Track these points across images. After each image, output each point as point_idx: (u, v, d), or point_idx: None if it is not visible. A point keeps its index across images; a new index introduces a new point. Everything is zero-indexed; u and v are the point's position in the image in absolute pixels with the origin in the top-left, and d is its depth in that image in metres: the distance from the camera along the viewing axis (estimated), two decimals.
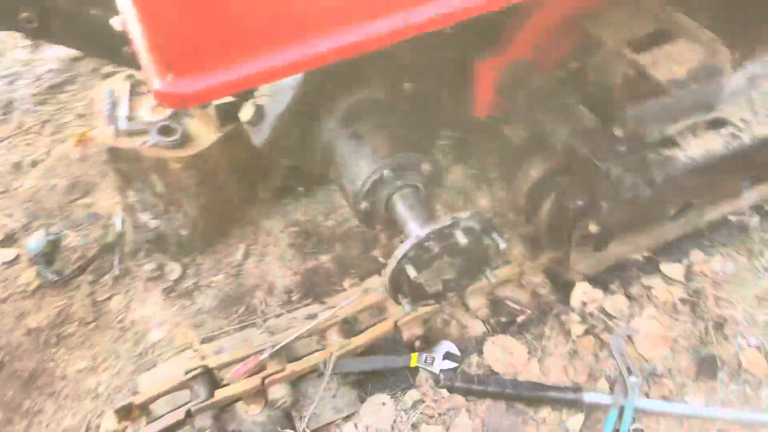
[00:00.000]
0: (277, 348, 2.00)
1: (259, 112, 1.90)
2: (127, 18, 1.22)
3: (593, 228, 1.99)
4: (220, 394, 1.94)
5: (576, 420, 1.97)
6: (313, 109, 1.90)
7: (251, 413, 2.01)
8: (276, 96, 1.90)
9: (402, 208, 1.79)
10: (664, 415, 1.98)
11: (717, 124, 2.00)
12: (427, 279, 1.75)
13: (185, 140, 2.27)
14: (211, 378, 2.00)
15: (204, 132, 2.32)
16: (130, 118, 2.34)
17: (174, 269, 2.51)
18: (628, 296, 2.25)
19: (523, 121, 2.12)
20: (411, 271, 1.69)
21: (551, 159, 2.13)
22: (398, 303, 1.83)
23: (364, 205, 1.82)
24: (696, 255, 2.35)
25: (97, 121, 2.35)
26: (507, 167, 2.32)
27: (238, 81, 1.20)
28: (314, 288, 2.41)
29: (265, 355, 2.00)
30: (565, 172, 2.08)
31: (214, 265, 2.51)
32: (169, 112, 2.35)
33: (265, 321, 2.31)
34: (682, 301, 2.22)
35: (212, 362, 2.02)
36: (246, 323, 2.31)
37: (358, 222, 2.13)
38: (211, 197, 2.44)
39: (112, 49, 2.11)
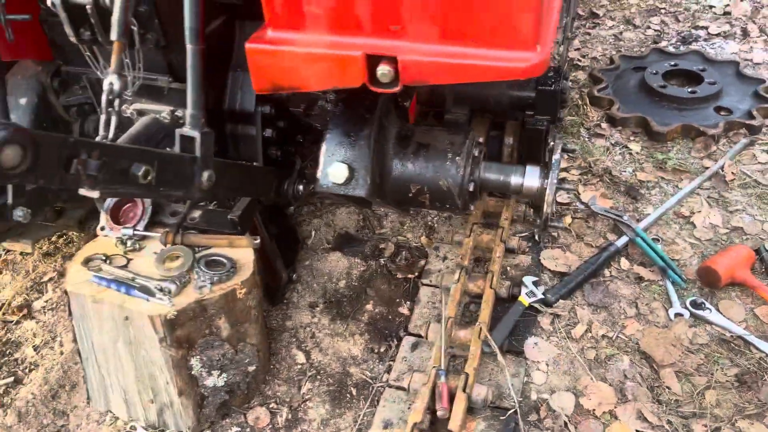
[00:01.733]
0: None
1: (351, 168, 1.99)
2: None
3: None
4: None
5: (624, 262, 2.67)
6: (383, 142, 2.09)
7: None
8: (340, 148, 2.02)
9: (496, 170, 2.18)
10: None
11: None
12: None
13: (233, 261, 2.10)
14: None
15: (234, 249, 2.17)
16: (159, 291, 2.00)
17: (260, 415, 2.24)
18: None
19: None
20: None
21: None
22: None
23: (471, 186, 2.13)
24: None
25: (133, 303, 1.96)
26: None
27: None
28: None
29: None
30: None
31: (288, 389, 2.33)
32: (179, 262, 2.11)
33: None
34: None
35: None
36: None
37: (460, 212, 2.32)
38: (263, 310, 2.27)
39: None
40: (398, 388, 2.28)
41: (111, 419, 2.24)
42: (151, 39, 1.86)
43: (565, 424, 2.13)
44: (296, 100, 2.23)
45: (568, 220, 2.85)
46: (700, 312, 2.41)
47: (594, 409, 2.17)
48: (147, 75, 1.96)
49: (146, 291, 1.97)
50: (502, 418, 2.14)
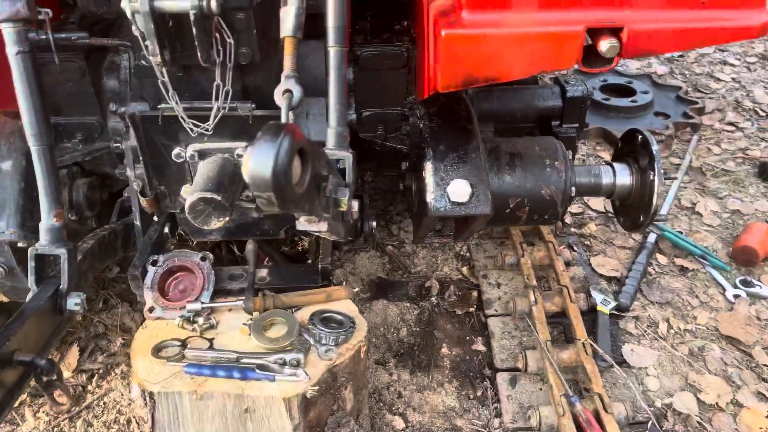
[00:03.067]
0: None
1: (471, 185, 1.77)
2: None
3: None
4: None
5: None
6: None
7: None
8: (451, 165, 1.81)
9: (586, 173, 2.09)
10: None
11: None
12: None
13: (348, 316, 1.74)
14: None
15: (335, 303, 1.81)
16: (282, 365, 1.58)
17: None
18: None
19: None
20: None
21: None
22: None
23: (573, 191, 2.00)
24: None
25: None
26: None
27: None
28: None
29: None
30: None
31: None
32: (282, 329, 1.71)
33: None
34: None
35: None
36: None
37: (555, 221, 2.16)
38: None
39: None
40: (521, 429, 2.03)
41: None
42: (246, 54, 1.51)
43: (699, 423, 2.04)
44: (371, 123, 1.97)
45: (592, 227, 2.84)
46: (752, 290, 2.50)
47: (716, 402, 2.11)
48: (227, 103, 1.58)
49: (266, 369, 1.54)
50: None
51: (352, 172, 1.39)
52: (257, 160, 0.77)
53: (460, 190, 1.76)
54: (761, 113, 3.71)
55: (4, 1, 1.38)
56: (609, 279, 2.58)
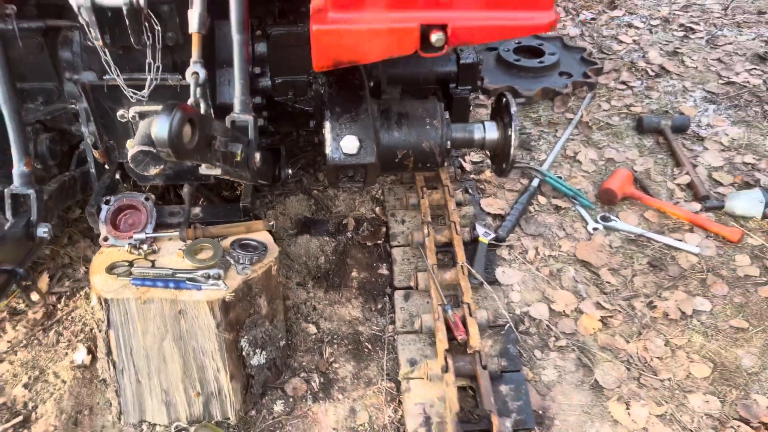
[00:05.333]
0: None
1: (359, 139, 2.25)
2: None
3: None
4: None
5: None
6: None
7: None
8: (345, 123, 2.28)
9: (461, 129, 2.58)
10: None
11: None
12: None
13: (262, 243, 2.24)
14: None
15: (255, 234, 2.30)
16: (207, 278, 2.08)
17: (296, 385, 2.40)
18: None
19: None
20: None
21: None
22: None
23: (448, 144, 2.50)
24: None
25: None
26: None
27: None
28: None
29: None
30: None
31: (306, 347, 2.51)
32: (209, 252, 2.20)
33: None
34: None
35: None
36: None
37: (437, 168, 2.64)
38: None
39: None
40: (408, 332, 2.58)
41: (148, 427, 2.22)
42: (171, 38, 1.94)
43: (547, 326, 2.62)
44: (282, 89, 2.42)
45: (488, 174, 3.36)
46: (608, 224, 3.06)
47: (563, 310, 2.69)
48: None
49: (194, 281, 2.03)
50: (502, 333, 2.56)
51: (254, 131, 1.86)
52: (158, 128, 1.24)
53: (350, 144, 2.24)
54: (651, 73, 4.24)
55: None
56: (494, 216, 3.12)
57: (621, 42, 4.62)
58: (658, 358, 2.48)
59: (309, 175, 3.34)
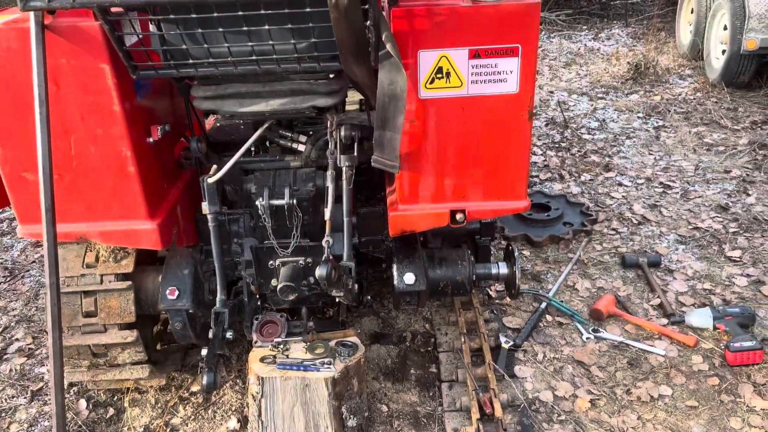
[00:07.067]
0: None
1: (415, 275, 3.55)
2: None
3: None
4: None
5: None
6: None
7: None
8: (406, 265, 3.60)
9: (483, 267, 3.88)
10: None
11: None
12: None
13: (354, 344, 3.47)
14: None
15: (348, 338, 3.54)
16: (323, 365, 3.31)
17: None
18: None
19: None
20: None
21: None
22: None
23: (475, 277, 3.77)
24: None
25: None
26: None
27: None
28: None
29: None
30: None
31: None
32: (323, 349, 3.44)
33: None
34: None
35: None
36: None
37: (467, 295, 3.90)
38: None
39: None
40: (452, 410, 3.68)
41: None
42: (307, 219, 3.35)
43: (552, 406, 3.70)
44: (365, 244, 3.78)
45: (507, 299, 4.58)
46: (598, 334, 4.20)
47: (564, 395, 3.77)
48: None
49: (315, 366, 3.27)
50: (518, 410, 3.65)
51: (354, 271, 3.19)
52: (321, 271, 2.57)
53: (409, 278, 3.54)
54: (635, 222, 5.51)
55: None
56: (513, 329, 4.29)
57: (612, 197, 5.95)
58: (632, 428, 3.51)
59: (377, 301, 4.62)
